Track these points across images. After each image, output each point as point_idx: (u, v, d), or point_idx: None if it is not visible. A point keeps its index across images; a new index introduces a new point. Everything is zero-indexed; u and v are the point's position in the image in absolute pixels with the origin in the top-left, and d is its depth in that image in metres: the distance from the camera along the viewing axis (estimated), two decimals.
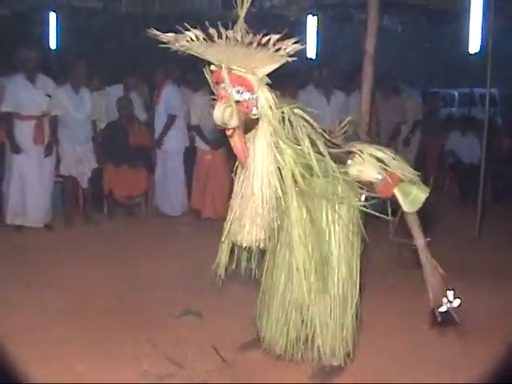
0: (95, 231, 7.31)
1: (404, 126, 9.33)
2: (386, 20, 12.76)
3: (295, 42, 3.06)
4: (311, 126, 3.30)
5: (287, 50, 3.06)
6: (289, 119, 3.28)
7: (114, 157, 7.86)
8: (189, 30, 3.10)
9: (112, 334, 4.35)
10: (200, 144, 8.00)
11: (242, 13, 3.14)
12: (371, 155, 3.28)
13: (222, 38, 3.06)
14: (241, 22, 3.14)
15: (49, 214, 7.32)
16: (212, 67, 3.25)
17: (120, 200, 8.03)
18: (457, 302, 3.14)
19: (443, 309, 3.15)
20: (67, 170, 7.60)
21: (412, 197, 3.19)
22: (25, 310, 4.74)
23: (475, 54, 11.58)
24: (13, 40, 11.37)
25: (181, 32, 3.11)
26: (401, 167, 3.26)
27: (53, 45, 13.96)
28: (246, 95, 3.19)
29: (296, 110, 3.31)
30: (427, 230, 3.32)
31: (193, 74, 8.58)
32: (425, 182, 3.35)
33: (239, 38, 3.08)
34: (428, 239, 3.26)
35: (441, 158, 10.27)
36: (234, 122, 3.14)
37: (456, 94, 17.88)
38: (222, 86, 3.21)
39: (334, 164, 3.33)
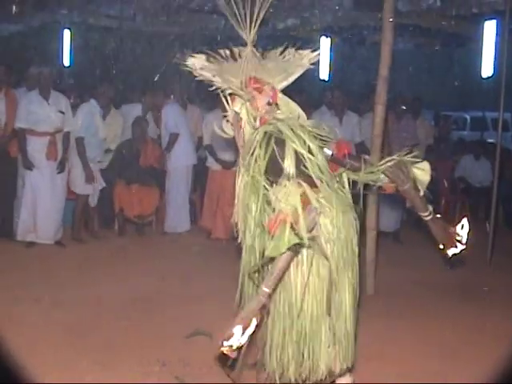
0: (105, 249, 7.29)
1: (415, 148, 9.29)
2: (399, 43, 12.78)
3: None
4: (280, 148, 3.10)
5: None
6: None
7: (127, 176, 7.87)
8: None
9: (121, 352, 4.34)
10: (212, 164, 7.99)
11: (251, 34, 3.38)
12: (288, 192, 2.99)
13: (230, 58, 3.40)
14: (250, 44, 3.41)
15: (60, 231, 7.31)
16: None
17: (131, 219, 8.03)
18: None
19: None
20: (86, 188, 7.56)
21: (280, 242, 2.84)
22: (34, 325, 4.75)
23: (488, 77, 11.56)
24: (27, 56, 11.46)
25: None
26: (293, 212, 2.91)
27: (66, 62, 14.06)
28: (235, 111, 3.37)
29: (280, 128, 3.14)
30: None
31: (206, 93, 8.61)
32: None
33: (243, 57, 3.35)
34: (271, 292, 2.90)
35: (452, 182, 10.22)
36: (229, 132, 3.40)
37: (468, 117, 17.84)
38: None
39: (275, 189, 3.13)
